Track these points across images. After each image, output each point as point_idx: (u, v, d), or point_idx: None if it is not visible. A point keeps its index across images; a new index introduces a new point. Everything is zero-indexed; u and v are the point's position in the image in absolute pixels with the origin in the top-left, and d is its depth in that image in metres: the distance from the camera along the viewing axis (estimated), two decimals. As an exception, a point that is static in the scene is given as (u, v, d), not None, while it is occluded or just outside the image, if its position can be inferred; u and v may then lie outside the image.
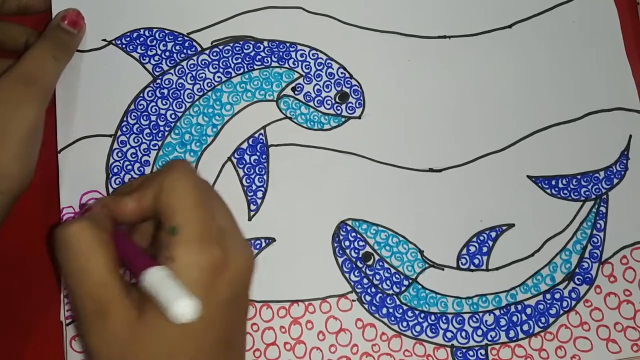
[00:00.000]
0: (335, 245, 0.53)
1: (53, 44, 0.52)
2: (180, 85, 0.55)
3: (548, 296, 0.54)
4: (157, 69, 0.55)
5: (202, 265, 0.40)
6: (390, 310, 0.52)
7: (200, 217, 0.42)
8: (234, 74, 0.56)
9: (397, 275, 0.53)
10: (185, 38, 0.56)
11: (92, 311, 0.41)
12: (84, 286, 0.41)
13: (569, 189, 0.56)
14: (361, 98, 0.56)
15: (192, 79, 0.55)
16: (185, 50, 0.56)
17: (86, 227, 0.42)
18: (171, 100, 0.55)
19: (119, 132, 0.54)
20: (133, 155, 0.54)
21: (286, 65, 0.56)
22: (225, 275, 0.41)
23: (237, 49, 0.56)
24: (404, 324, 0.52)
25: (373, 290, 0.53)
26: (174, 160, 0.52)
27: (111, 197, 0.48)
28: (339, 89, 0.56)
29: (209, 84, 0.55)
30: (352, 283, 0.53)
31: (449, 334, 0.52)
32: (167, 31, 0.56)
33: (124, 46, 0.56)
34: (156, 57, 0.56)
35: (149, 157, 0.54)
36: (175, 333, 0.40)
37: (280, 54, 0.56)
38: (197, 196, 0.43)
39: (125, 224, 0.46)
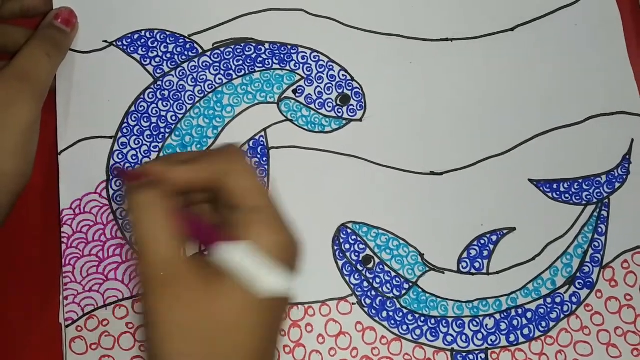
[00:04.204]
0: (336, 248, 0.53)
1: (46, 42, 0.52)
2: (181, 87, 0.55)
3: (549, 300, 0.53)
4: (158, 71, 0.55)
5: (279, 245, 0.42)
6: (390, 313, 0.52)
7: (272, 201, 0.44)
8: (235, 76, 0.56)
9: (397, 279, 0.53)
10: (187, 40, 0.56)
11: (158, 279, 0.41)
12: (152, 254, 0.42)
13: (571, 193, 0.55)
14: (362, 100, 0.56)
15: (193, 80, 0.55)
16: (186, 52, 0.56)
17: (159, 196, 0.43)
18: (172, 102, 0.55)
19: (120, 134, 0.54)
20: (133, 157, 0.54)
21: (287, 68, 0.56)
22: (292, 256, 0.43)
23: (239, 51, 0.56)
24: (404, 327, 0.52)
25: (373, 293, 0.53)
26: (231, 145, 0.49)
27: (164, 163, 0.46)
28: (340, 91, 0.56)
29: (210, 86, 0.55)
30: (352, 286, 0.53)
31: (449, 338, 0.52)
32: (168, 33, 0.56)
33: (125, 47, 0.56)
34: (157, 59, 0.56)
35: (150, 158, 0.54)
36: (239, 306, 0.41)
37: (282, 56, 0.56)
38: (261, 183, 0.45)
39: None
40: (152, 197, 0.42)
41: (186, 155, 0.49)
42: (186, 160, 0.46)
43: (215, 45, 0.56)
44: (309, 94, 0.56)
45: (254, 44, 0.56)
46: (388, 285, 0.53)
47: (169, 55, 0.56)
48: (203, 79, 0.55)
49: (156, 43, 0.56)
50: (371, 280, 0.53)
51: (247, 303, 0.41)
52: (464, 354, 0.52)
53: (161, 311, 0.41)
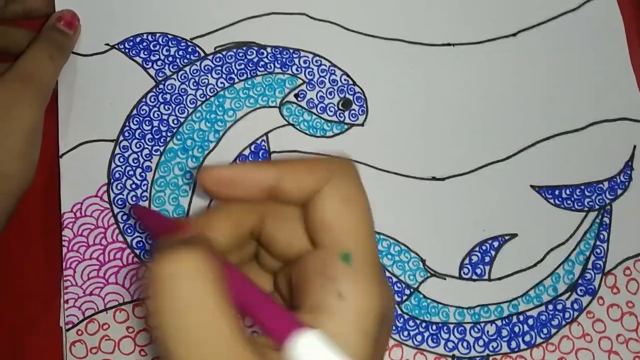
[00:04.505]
0: (337, 253, 0.53)
1: (49, 44, 0.52)
2: (182, 90, 0.55)
3: (550, 307, 0.53)
4: (160, 74, 0.55)
5: (376, 312, 0.30)
6: (392, 319, 0.52)
7: (374, 247, 0.32)
8: (236, 80, 0.56)
9: (398, 285, 0.53)
10: (189, 43, 0.56)
11: None
12: (205, 348, 0.28)
13: (573, 199, 0.55)
14: (364, 105, 0.56)
15: (194, 84, 0.55)
16: (188, 56, 0.56)
17: (205, 261, 0.29)
18: (174, 106, 0.55)
19: (121, 137, 0.54)
20: (135, 161, 0.54)
21: (289, 72, 0.56)
22: (386, 325, 0.32)
23: (241, 54, 0.56)
24: (405, 333, 0.52)
25: (374, 299, 0.52)
26: (344, 158, 0.36)
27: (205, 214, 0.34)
28: (342, 95, 0.56)
29: (212, 90, 0.55)
30: (354, 292, 0.52)
31: (450, 344, 0.52)
32: (170, 36, 0.56)
33: (126, 51, 0.56)
34: (159, 62, 0.56)
35: (151, 162, 0.54)
36: None
37: (284, 60, 0.56)
38: (371, 217, 0.33)
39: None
40: (194, 263, 0.28)
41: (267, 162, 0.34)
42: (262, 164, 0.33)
43: (217, 49, 0.56)
44: (311, 98, 0.56)
45: (255, 48, 0.56)
46: (389, 290, 0.53)
47: (170, 59, 0.56)
48: (205, 82, 0.55)
49: (158, 46, 0.56)
50: (372, 286, 0.53)
51: None
52: (465, 361, 0.52)
53: None
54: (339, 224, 0.31)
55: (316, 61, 0.56)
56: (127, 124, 0.54)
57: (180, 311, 0.28)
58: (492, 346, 0.52)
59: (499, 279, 0.54)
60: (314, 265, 0.31)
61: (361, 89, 0.56)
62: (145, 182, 0.53)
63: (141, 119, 0.54)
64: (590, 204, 0.55)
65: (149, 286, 0.28)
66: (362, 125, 0.56)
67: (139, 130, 0.54)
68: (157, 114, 0.54)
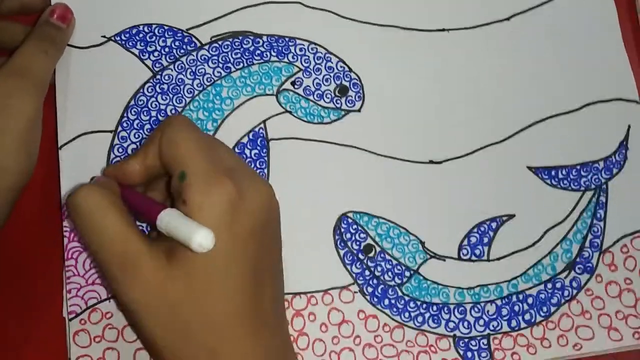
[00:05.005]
0: (337, 237, 0.53)
1: (43, 39, 0.52)
2: (180, 80, 0.55)
3: (549, 285, 0.54)
4: (157, 65, 0.56)
5: (215, 202, 0.42)
6: (392, 301, 0.53)
7: (204, 157, 0.44)
8: (233, 69, 0.56)
9: (398, 267, 0.53)
10: (185, 34, 0.56)
11: (119, 266, 0.43)
12: (104, 244, 0.43)
13: (569, 179, 0.56)
14: (360, 91, 0.56)
15: (191, 74, 0.56)
16: (184, 46, 0.56)
17: (93, 189, 0.44)
18: (171, 96, 0.55)
19: (120, 128, 0.54)
20: (134, 151, 0.54)
21: (285, 60, 0.56)
22: (243, 208, 0.42)
23: (237, 44, 0.56)
24: (406, 314, 0.52)
25: (375, 281, 0.53)
26: (170, 115, 0.54)
27: (115, 163, 0.50)
28: (338, 82, 0.56)
29: (209, 79, 0.56)
30: (354, 275, 0.53)
31: (451, 324, 0.53)
32: (166, 27, 0.56)
33: (123, 42, 0.56)
34: (156, 53, 0.56)
35: (150, 152, 0.54)
36: (205, 266, 0.42)
37: (280, 48, 0.57)
38: (198, 141, 0.45)
39: (134, 185, 0.48)
40: (84, 193, 0.44)
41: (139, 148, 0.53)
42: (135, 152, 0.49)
43: (213, 39, 0.56)
44: (308, 86, 0.56)
45: (251, 37, 0.57)
46: (389, 273, 0.53)
47: (167, 50, 0.56)
48: (202, 72, 0.56)
49: (154, 37, 0.56)
50: (372, 269, 0.53)
51: (208, 265, 0.42)
52: (466, 340, 0.52)
53: (130, 297, 0.43)
54: (172, 157, 0.45)
55: (312, 49, 0.57)
56: (125, 114, 0.54)
57: (86, 216, 0.44)
58: (493, 325, 0.53)
59: (498, 259, 0.54)
60: (173, 188, 0.45)
61: (357, 75, 0.57)
62: (144, 171, 0.54)
63: (139, 109, 0.55)
64: (587, 183, 0.56)
65: (68, 213, 0.47)
66: (359, 111, 0.56)
67: (137, 121, 0.54)
68: (155, 104, 0.55)
